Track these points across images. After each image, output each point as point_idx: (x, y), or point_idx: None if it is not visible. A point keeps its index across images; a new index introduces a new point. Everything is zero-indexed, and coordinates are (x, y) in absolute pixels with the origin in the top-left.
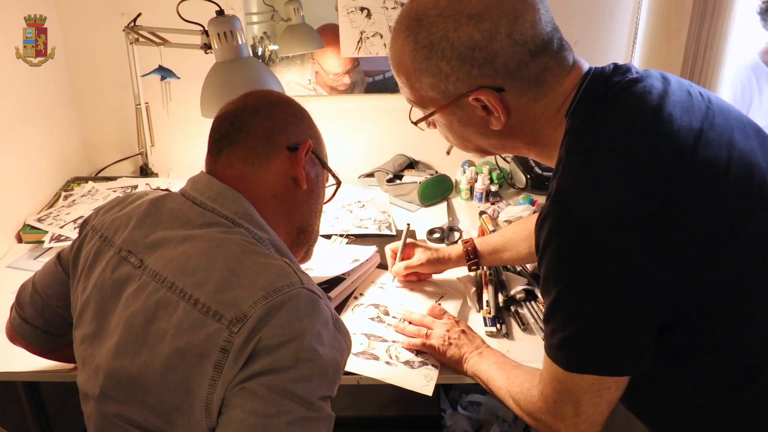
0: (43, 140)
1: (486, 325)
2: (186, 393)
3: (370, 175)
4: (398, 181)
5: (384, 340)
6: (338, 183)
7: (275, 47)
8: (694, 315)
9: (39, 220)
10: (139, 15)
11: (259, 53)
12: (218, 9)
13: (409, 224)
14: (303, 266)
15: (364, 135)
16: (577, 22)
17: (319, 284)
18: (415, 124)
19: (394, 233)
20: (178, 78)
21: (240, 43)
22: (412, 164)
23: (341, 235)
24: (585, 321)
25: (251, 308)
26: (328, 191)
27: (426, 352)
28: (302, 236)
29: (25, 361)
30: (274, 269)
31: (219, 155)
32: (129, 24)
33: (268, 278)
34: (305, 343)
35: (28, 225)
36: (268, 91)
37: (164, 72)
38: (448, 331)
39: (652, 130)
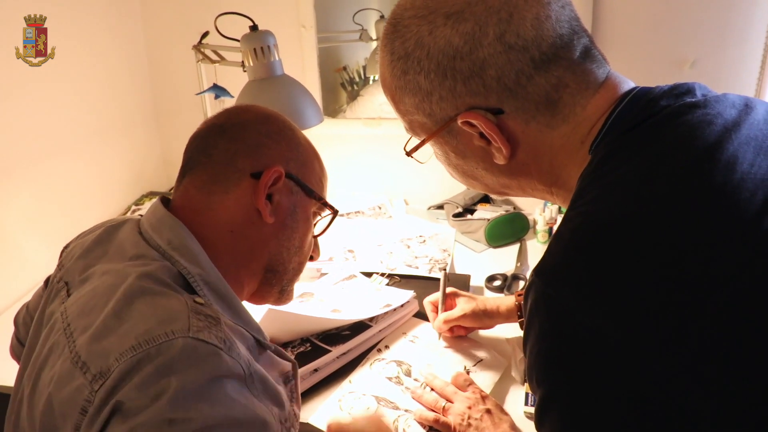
0: (123, 154)
1: (527, 403)
2: None
3: (440, 207)
4: (469, 216)
5: (395, 408)
6: (334, 213)
7: None
8: None
9: None
10: (207, 34)
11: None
12: (252, 24)
13: (446, 271)
14: (332, 306)
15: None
16: (696, 39)
17: (340, 329)
18: (409, 154)
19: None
20: (232, 96)
21: (273, 59)
22: (487, 198)
23: (383, 274)
24: None
25: (115, 361)
26: (323, 223)
27: (440, 431)
28: (271, 276)
29: None
30: (162, 313)
31: (181, 182)
32: (198, 43)
33: (149, 324)
34: (175, 401)
35: None
36: (250, 107)
37: (218, 90)
38: (469, 408)
39: (695, 178)
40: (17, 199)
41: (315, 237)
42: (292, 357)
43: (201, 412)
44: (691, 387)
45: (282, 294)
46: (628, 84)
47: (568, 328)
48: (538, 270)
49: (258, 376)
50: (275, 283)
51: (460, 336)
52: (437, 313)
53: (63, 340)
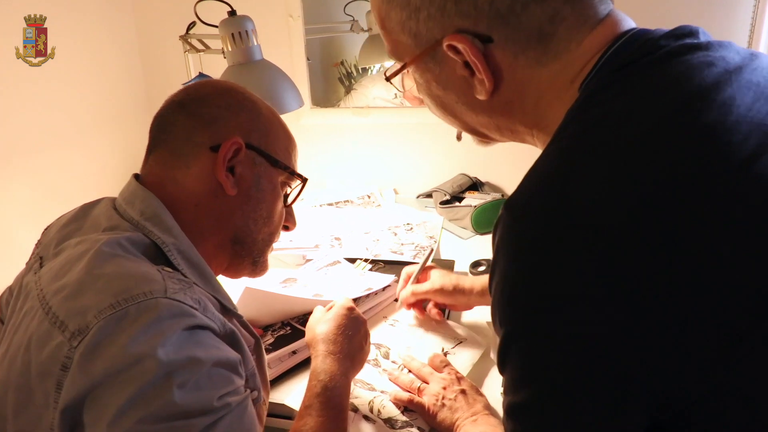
0: (116, 145)
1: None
2: (26, 421)
3: (429, 195)
4: (457, 204)
5: (372, 389)
6: (303, 181)
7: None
8: (701, 417)
9: None
10: (194, 24)
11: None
12: (230, 9)
13: (432, 248)
14: (314, 290)
15: (434, 151)
16: (681, 4)
17: None
18: (388, 79)
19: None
20: None
21: (252, 45)
22: (476, 185)
23: (366, 260)
24: (537, 385)
25: (94, 318)
26: (295, 193)
27: (415, 411)
28: (239, 248)
29: None
30: (137, 274)
31: (147, 160)
32: (185, 33)
33: (127, 283)
34: (164, 355)
35: None
36: (208, 81)
37: (204, 79)
38: (444, 388)
39: (685, 116)
40: (13, 190)
41: (287, 207)
42: (272, 339)
43: (188, 357)
44: (656, 337)
45: (255, 265)
46: (629, 23)
47: (535, 264)
48: (507, 203)
49: (231, 335)
50: (245, 255)
51: (420, 315)
52: (407, 282)
53: (37, 305)
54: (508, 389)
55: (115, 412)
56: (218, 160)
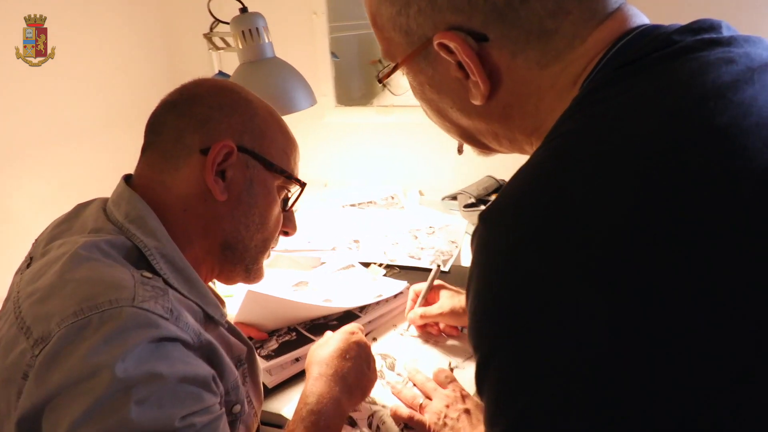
0: (139, 143)
1: None
2: None
3: (455, 198)
4: (482, 207)
5: (373, 403)
6: (301, 186)
7: None
8: None
9: None
10: (217, 23)
11: None
12: (242, 6)
13: (439, 265)
14: (324, 296)
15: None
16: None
17: (329, 319)
18: (381, 81)
19: (445, 269)
20: None
21: (263, 42)
22: (502, 188)
23: (380, 264)
24: (516, 410)
25: (56, 326)
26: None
27: (415, 429)
28: (230, 254)
29: None
30: (108, 280)
31: (139, 161)
32: (209, 31)
33: (94, 290)
34: (123, 369)
35: None
36: (204, 80)
37: (223, 77)
38: (447, 406)
39: (695, 116)
40: (30, 187)
41: (285, 212)
42: (276, 345)
43: (149, 372)
44: (656, 355)
45: (249, 272)
46: (641, 19)
47: (513, 278)
48: (484, 214)
49: (208, 347)
50: (237, 262)
51: (432, 333)
52: (416, 304)
53: (11, 307)
54: (486, 420)
55: (67, 427)
56: (207, 164)
